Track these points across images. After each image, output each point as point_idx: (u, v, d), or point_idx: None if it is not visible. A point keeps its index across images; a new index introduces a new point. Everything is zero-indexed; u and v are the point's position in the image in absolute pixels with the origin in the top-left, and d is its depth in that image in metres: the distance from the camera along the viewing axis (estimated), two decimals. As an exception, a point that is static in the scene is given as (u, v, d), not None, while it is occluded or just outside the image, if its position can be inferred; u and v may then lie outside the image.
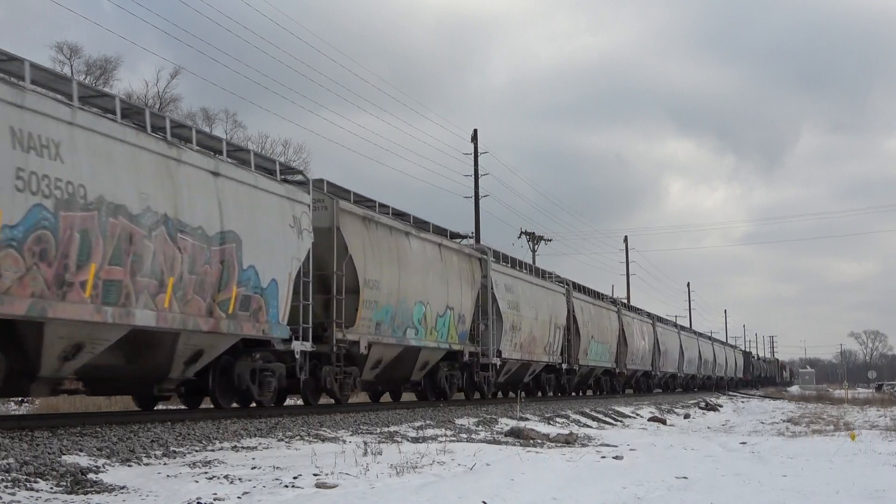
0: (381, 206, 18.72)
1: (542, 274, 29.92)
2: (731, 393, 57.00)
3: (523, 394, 26.65)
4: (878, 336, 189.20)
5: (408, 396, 23.65)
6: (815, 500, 8.02)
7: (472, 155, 40.31)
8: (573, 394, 32.77)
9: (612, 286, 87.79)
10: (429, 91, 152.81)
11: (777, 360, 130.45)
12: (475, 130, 40.41)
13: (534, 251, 55.08)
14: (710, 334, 68.88)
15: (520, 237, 55.15)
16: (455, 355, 21.43)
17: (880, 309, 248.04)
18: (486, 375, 23.28)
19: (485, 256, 23.47)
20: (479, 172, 40.00)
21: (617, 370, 37.23)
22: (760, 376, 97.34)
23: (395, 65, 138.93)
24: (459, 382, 22.25)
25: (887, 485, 9.06)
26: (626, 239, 68.38)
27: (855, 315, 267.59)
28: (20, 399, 22.49)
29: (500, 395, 28.10)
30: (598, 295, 36.20)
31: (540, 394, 28.61)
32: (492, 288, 23.38)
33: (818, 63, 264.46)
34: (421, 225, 20.33)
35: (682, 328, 54.31)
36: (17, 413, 19.61)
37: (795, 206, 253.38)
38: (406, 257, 18.75)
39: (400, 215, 19.46)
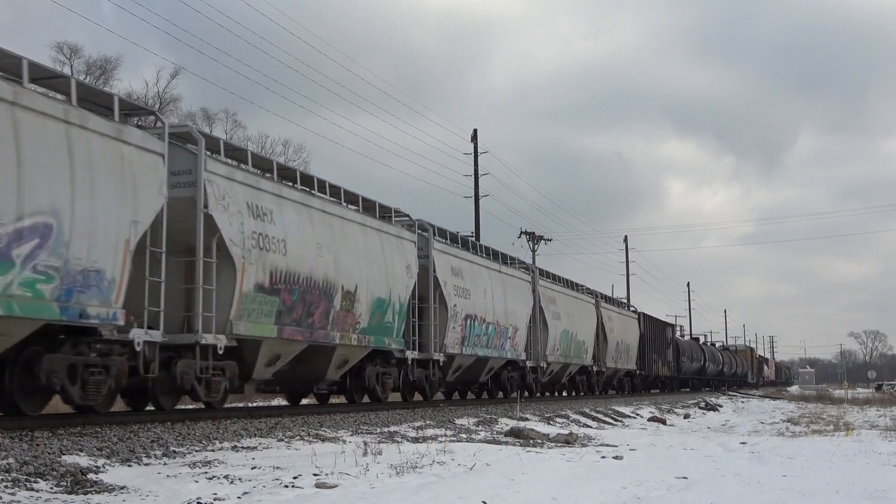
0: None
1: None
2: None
3: (525, 394, 26.14)
4: (877, 336, 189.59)
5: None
6: (815, 500, 8.02)
7: (472, 155, 40.36)
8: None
9: (612, 286, 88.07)
10: (430, 92, 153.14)
11: (751, 349, 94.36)
12: (475, 130, 40.45)
13: (534, 251, 55.06)
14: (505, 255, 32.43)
15: (520, 237, 55.15)
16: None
17: (880, 309, 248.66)
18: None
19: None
20: (480, 172, 40.06)
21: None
22: (705, 372, 58.38)
23: (396, 66, 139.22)
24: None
25: (887, 485, 9.06)
26: (626, 239, 68.46)
27: (854, 315, 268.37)
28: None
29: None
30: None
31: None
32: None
33: (815, 65, 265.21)
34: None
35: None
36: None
37: (795, 207, 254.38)
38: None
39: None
